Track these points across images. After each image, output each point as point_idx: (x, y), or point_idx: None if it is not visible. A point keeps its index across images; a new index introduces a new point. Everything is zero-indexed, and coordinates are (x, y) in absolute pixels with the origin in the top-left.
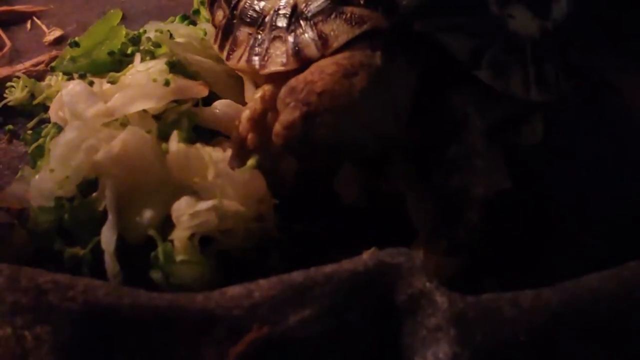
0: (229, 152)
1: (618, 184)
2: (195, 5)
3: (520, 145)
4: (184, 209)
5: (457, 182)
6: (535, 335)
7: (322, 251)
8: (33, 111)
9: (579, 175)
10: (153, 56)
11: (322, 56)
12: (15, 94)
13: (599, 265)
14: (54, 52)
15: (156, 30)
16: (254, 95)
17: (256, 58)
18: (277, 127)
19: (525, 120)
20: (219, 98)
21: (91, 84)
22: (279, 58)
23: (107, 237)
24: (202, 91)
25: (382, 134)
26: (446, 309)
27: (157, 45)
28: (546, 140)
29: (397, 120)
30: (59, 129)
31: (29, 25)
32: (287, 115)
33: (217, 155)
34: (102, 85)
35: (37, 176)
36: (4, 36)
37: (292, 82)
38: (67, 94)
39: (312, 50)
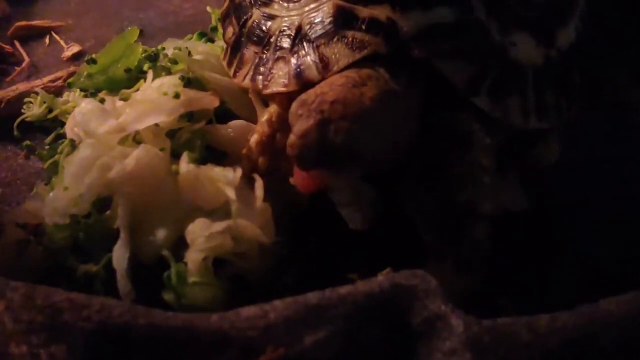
0: (239, 172)
1: (633, 202)
2: (214, 23)
3: (537, 167)
4: (199, 231)
5: (464, 199)
6: None
7: (337, 271)
8: (51, 127)
9: (594, 193)
10: (169, 73)
11: (323, 79)
12: (34, 109)
13: (613, 285)
14: (72, 68)
15: (175, 48)
16: (261, 119)
17: (260, 77)
18: (292, 138)
19: (540, 141)
20: (237, 116)
21: (102, 101)
22: (281, 79)
23: (119, 256)
24: (214, 102)
25: (396, 141)
26: (462, 332)
27: (174, 62)
28: (561, 159)
29: (408, 128)
30: (74, 146)
31: (47, 40)
32: (301, 125)
33: (229, 176)
34: (115, 102)
35: (51, 194)
36: (22, 52)
37: (303, 96)
38: (79, 113)
39: (313, 73)
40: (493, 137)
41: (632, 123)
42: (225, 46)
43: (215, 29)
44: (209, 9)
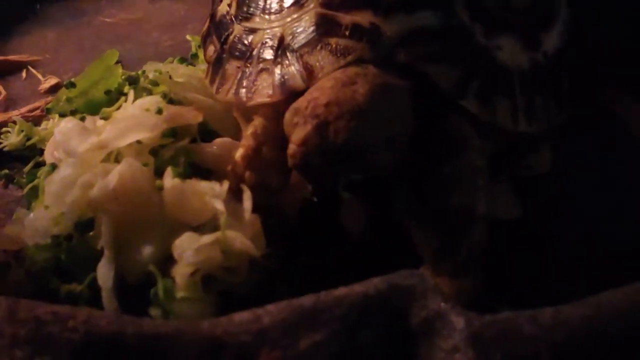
0: (226, 185)
1: (623, 209)
2: (194, 49)
3: (529, 175)
4: (186, 245)
5: (458, 200)
6: (557, 353)
7: (329, 284)
8: (29, 156)
9: (586, 202)
10: (150, 94)
11: (308, 87)
12: (11, 139)
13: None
14: (49, 98)
15: (155, 70)
16: (245, 133)
17: (243, 91)
18: (292, 147)
19: (531, 150)
20: (221, 136)
21: (83, 119)
22: (265, 90)
23: (104, 273)
24: (197, 117)
25: (395, 137)
26: (463, 329)
27: (155, 83)
28: (554, 166)
29: (404, 123)
30: (54, 168)
31: (24, 74)
32: (298, 132)
33: (216, 189)
34: (96, 121)
35: (31, 214)
36: None
37: (295, 104)
38: (59, 132)
39: (297, 82)
40: (484, 139)
41: (621, 131)
42: (206, 65)
43: (195, 56)
44: (188, 36)
